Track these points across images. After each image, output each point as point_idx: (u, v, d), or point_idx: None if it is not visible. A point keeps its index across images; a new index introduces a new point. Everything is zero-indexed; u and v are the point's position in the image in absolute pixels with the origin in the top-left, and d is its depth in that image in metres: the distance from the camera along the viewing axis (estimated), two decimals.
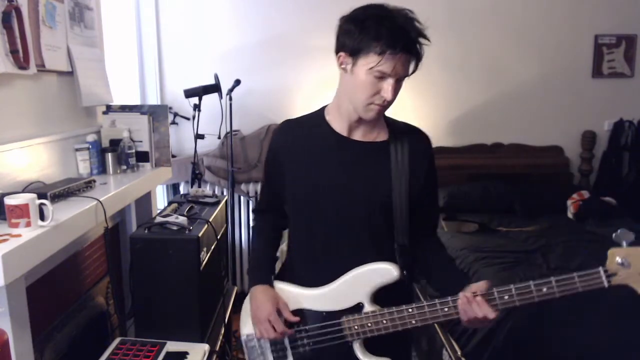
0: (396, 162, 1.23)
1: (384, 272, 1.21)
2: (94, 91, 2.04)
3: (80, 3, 2.00)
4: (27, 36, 1.56)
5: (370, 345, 1.23)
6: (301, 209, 1.31)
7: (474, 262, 2.51)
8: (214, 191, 2.93)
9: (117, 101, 2.22)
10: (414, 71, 1.16)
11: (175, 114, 3.49)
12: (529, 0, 3.64)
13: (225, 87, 2.97)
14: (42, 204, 1.34)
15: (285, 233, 1.47)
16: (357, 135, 1.26)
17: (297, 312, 1.29)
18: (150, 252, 1.80)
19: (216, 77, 2.94)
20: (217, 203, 2.27)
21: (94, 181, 1.80)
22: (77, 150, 1.92)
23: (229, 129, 3.01)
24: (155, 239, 1.80)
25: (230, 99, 2.97)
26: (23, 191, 1.46)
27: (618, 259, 1.01)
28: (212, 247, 2.04)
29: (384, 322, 1.19)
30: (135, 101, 3.44)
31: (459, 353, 2.13)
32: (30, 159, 1.62)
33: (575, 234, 2.92)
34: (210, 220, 1.99)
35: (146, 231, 1.83)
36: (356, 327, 1.21)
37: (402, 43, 1.09)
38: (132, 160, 2.12)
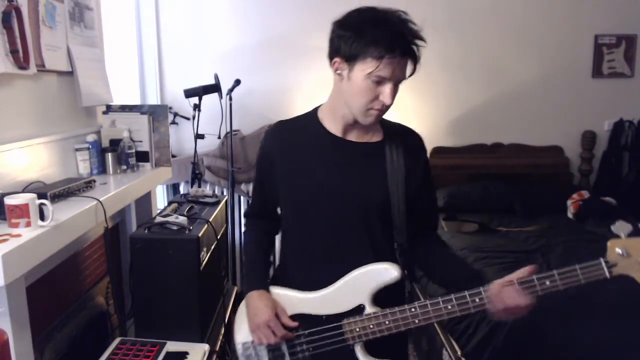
0: (392, 162, 1.23)
1: (385, 272, 1.20)
2: (94, 91, 2.04)
3: (80, 3, 2.00)
4: (27, 36, 1.56)
5: (369, 347, 1.22)
6: (297, 211, 1.29)
7: (474, 262, 2.52)
8: (214, 191, 2.93)
9: (117, 101, 2.22)
10: (412, 73, 1.15)
11: (175, 114, 3.49)
12: (529, 0, 3.64)
13: (225, 87, 2.97)
14: (42, 204, 1.34)
15: (277, 237, 1.45)
16: (352, 136, 1.26)
17: (295, 317, 1.26)
18: (150, 252, 1.80)
19: (216, 77, 2.94)
20: (217, 203, 2.27)
21: (94, 181, 1.80)
22: (77, 150, 1.92)
23: (229, 129, 3.01)
24: (155, 239, 1.80)
25: (230, 99, 2.97)
26: (23, 191, 1.46)
27: (618, 250, 1.03)
28: (212, 247, 2.04)
29: (386, 323, 1.17)
30: (135, 101, 3.44)
31: (459, 353, 2.13)
32: (30, 159, 1.62)
33: (575, 234, 2.92)
34: (210, 220, 1.99)
35: (146, 231, 1.83)
36: (358, 330, 1.19)
37: (400, 47, 1.08)
38: (132, 160, 2.12)
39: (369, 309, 1.20)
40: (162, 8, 3.49)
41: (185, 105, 3.21)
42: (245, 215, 1.48)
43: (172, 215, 1.94)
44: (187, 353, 1.72)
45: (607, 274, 1.04)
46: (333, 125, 1.25)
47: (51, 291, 1.69)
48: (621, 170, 3.77)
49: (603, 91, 3.77)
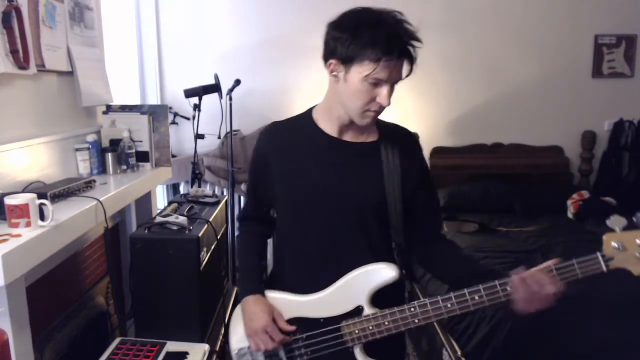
0: (387, 162, 1.22)
1: (382, 272, 1.18)
2: (94, 91, 2.04)
3: (80, 3, 2.00)
4: (27, 36, 1.56)
5: (367, 349, 1.21)
6: (293, 212, 1.27)
7: None
8: (214, 191, 2.93)
9: (117, 101, 2.22)
10: (408, 74, 1.15)
11: (175, 114, 3.50)
12: (529, 0, 3.64)
13: (225, 87, 2.97)
14: (42, 204, 1.34)
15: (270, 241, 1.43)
16: (348, 137, 1.25)
17: (292, 320, 1.24)
18: (150, 252, 1.80)
19: (216, 77, 2.94)
20: (217, 203, 2.27)
21: (94, 181, 1.80)
22: (77, 150, 1.92)
23: (229, 129, 3.01)
24: (155, 239, 1.80)
25: (230, 99, 2.97)
26: (23, 191, 1.46)
27: (613, 244, 1.04)
28: (212, 247, 2.04)
29: (386, 323, 1.16)
30: (135, 101, 3.45)
31: (459, 353, 2.13)
32: (30, 159, 1.62)
33: (575, 234, 2.92)
34: (210, 220, 1.99)
35: (146, 231, 1.83)
36: (357, 332, 1.18)
37: (397, 48, 1.08)
38: (132, 160, 2.12)
39: (368, 310, 1.19)
40: (162, 8, 3.49)
41: (185, 105, 3.21)
42: (238, 219, 1.46)
43: (172, 215, 1.94)
44: (187, 353, 1.72)
45: (604, 268, 1.05)
46: (328, 125, 1.24)
47: (51, 291, 1.69)
48: (621, 170, 3.77)
49: (603, 91, 3.77)
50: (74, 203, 1.57)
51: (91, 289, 2.00)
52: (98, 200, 1.61)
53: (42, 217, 1.34)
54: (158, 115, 2.21)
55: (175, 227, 1.84)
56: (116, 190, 1.79)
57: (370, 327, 1.17)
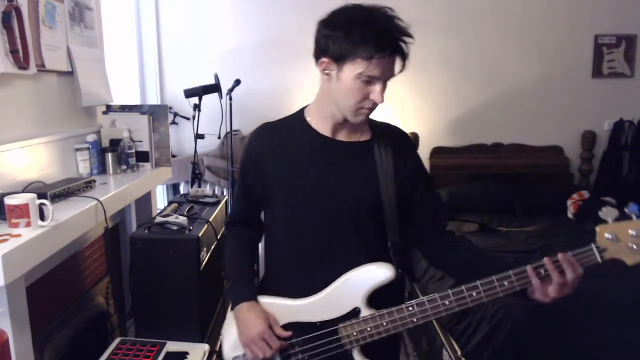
0: (381, 161, 1.22)
1: (378, 272, 1.17)
2: (94, 91, 2.04)
3: (80, 3, 2.00)
4: (27, 36, 1.56)
5: (362, 349, 1.19)
6: (289, 213, 1.24)
7: None
8: (214, 191, 2.93)
9: (117, 101, 2.22)
10: (401, 70, 1.14)
11: (175, 114, 3.50)
12: (529, 0, 3.64)
13: (225, 87, 2.97)
14: (42, 204, 1.34)
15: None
16: (341, 136, 1.24)
17: (287, 326, 1.21)
18: (150, 252, 1.80)
19: (216, 77, 2.95)
20: (217, 203, 2.27)
21: (94, 181, 1.80)
22: (77, 150, 1.92)
23: (229, 129, 3.01)
24: (155, 239, 1.80)
25: (230, 99, 2.97)
26: (23, 191, 1.47)
27: (607, 235, 1.04)
28: (212, 247, 2.04)
29: (384, 324, 1.14)
30: (135, 101, 3.45)
31: (459, 353, 2.13)
32: (30, 159, 1.62)
33: (575, 234, 2.92)
34: (210, 220, 1.99)
35: (146, 231, 1.83)
36: (355, 334, 1.16)
37: (389, 45, 1.07)
38: (132, 160, 2.12)
39: (365, 312, 1.16)
40: (162, 8, 3.49)
41: (185, 105, 3.21)
42: (226, 223, 1.42)
43: (172, 215, 1.94)
44: (187, 353, 1.72)
45: (599, 259, 1.05)
46: (321, 125, 1.23)
47: (51, 291, 1.69)
48: (621, 170, 3.77)
49: (603, 91, 3.77)
50: (74, 203, 1.57)
51: (91, 289, 2.00)
52: (98, 200, 1.61)
53: (42, 217, 1.34)
54: (158, 115, 2.21)
55: (175, 227, 1.84)
56: (116, 190, 1.79)
57: (369, 329, 1.15)
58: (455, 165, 3.65)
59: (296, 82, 3.54)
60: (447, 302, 1.11)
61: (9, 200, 1.29)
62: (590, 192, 3.40)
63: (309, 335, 1.19)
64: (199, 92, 2.91)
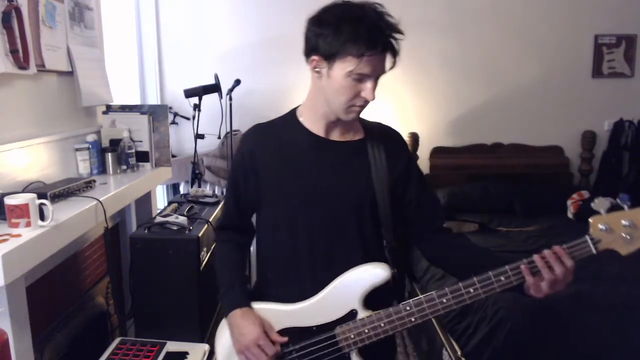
0: (374, 160, 1.21)
1: (374, 273, 1.15)
2: (94, 91, 2.05)
3: (80, 3, 2.00)
4: (27, 36, 1.57)
5: (360, 351, 1.17)
6: (288, 215, 1.22)
7: None
8: (214, 191, 2.93)
9: (117, 101, 2.22)
10: (392, 67, 1.13)
11: (175, 114, 3.49)
12: (529, 0, 3.64)
13: (225, 87, 2.97)
14: (42, 204, 1.34)
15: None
16: (335, 136, 1.23)
17: (283, 331, 1.18)
18: (150, 252, 1.80)
19: (216, 77, 2.95)
20: (217, 203, 2.27)
21: (94, 181, 1.80)
22: (77, 150, 1.92)
23: (229, 129, 3.01)
24: (155, 239, 1.81)
25: (230, 99, 2.97)
26: (23, 191, 1.47)
27: (600, 226, 1.06)
28: (212, 247, 2.04)
29: (382, 325, 1.12)
30: (135, 101, 3.44)
31: (459, 353, 2.13)
32: (30, 159, 1.62)
33: (575, 234, 2.91)
34: (210, 220, 2.00)
35: (146, 231, 1.84)
36: (352, 336, 1.14)
37: (380, 43, 1.06)
38: (132, 160, 2.12)
39: (362, 314, 1.15)
40: (162, 8, 3.49)
41: (185, 105, 3.21)
42: (216, 229, 1.39)
43: (172, 215, 1.94)
44: (187, 353, 1.72)
45: (594, 250, 1.06)
46: (315, 125, 1.22)
47: (51, 291, 1.69)
48: (621, 170, 3.77)
49: (603, 91, 3.77)
50: (74, 203, 1.57)
51: (91, 289, 2.00)
52: (98, 200, 1.61)
53: (42, 217, 1.34)
54: (158, 115, 2.21)
55: (175, 227, 1.84)
56: (116, 190, 1.79)
57: (367, 331, 1.13)
58: (455, 165, 3.65)
59: (296, 82, 3.53)
60: (444, 300, 1.10)
61: (9, 200, 1.29)
62: (590, 192, 3.40)
63: (306, 342, 1.17)
64: (199, 92, 2.91)
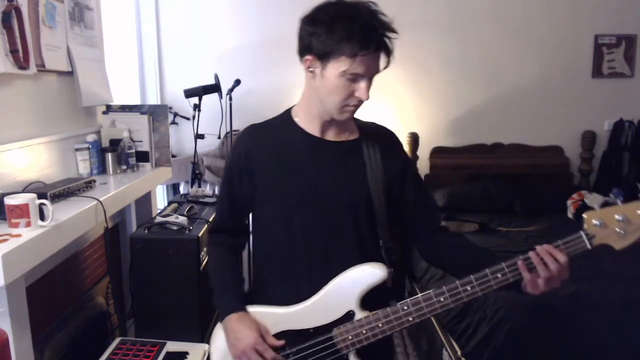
0: (369, 160, 1.21)
1: (370, 273, 1.14)
2: (94, 91, 2.05)
3: (80, 3, 2.00)
4: (27, 36, 1.57)
5: (357, 351, 1.16)
6: (284, 215, 1.20)
7: None
8: (214, 191, 2.92)
9: (117, 101, 2.22)
10: (386, 67, 1.12)
11: (175, 114, 3.49)
12: (529, 0, 3.64)
13: (225, 87, 2.97)
14: (42, 204, 1.34)
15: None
16: (330, 136, 1.23)
17: (280, 335, 1.17)
18: (150, 252, 1.80)
19: (216, 77, 2.95)
20: None
21: (94, 181, 1.80)
22: (77, 150, 1.92)
23: (229, 129, 3.01)
24: (155, 239, 1.81)
25: (230, 99, 2.97)
26: (23, 191, 1.47)
27: (594, 221, 1.06)
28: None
29: (380, 325, 1.12)
30: (135, 101, 3.44)
31: (459, 353, 2.13)
32: (30, 159, 1.62)
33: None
34: (210, 220, 1.99)
35: (146, 231, 1.84)
36: (350, 337, 1.13)
37: (373, 42, 1.06)
38: (132, 160, 2.12)
39: (360, 314, 1.14)
40: (162, 8, 3.49)
41: (185, 105, 3.21)
42: (210, 231, 1.37)
43: (172, 215, 1.94)
44: (187, 353, 1.72)
45: (589, 246, 1.06)
46: (310, 125, 1.22)
47: (51, 291, 1.69)
48: (621, 170, 3.77)
49: (603, 91, 3.77)
50: (74, 203, 1.57)
51: (91, 289, 2.00)
52: (98, 200, 1.61)
53: (42, 217, 1.35)
54: (158, 115, 2.21)
55: (175, 227, 1.84)
56: (116, 190, 1.79)
57: (364, 332, 1.12)
58: (455, 165, 3.65)
59: (296, 82, 3.50)
60: (442, 299, 1.10)
61: (9, 200, 1.29)
62: (590, 192, 3.40)
63: (303, 344, 1.16)
64: (199, 92, 2.91)
